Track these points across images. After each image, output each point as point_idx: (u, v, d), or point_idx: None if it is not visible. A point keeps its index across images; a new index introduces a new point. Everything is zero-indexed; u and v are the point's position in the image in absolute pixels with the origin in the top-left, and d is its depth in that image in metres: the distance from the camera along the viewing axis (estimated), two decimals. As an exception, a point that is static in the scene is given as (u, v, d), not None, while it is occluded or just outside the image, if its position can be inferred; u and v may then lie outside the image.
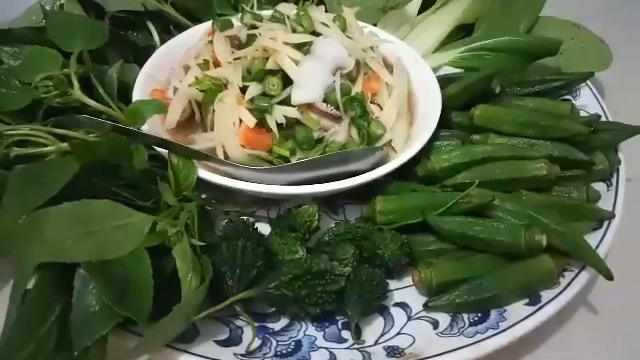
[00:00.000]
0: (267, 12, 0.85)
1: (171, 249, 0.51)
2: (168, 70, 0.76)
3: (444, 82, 0.76)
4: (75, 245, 0.45)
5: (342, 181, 0.61)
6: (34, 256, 0.43)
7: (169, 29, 0.86)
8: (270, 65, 0.67)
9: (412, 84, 0.78)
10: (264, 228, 0.65)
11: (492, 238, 0.56)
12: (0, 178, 0.51)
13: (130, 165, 0.55)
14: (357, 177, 0.62)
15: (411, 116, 0.76)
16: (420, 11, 0.93)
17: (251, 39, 0.70)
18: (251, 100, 0.66)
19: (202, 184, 0.61)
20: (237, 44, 0.74)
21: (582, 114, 0.78)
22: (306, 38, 0.68)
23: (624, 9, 1.19)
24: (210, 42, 0.73)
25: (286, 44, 0.68)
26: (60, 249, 0.44)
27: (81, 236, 0.45)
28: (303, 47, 0.69)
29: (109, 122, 0.58)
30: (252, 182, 0.61)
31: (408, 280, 0.59)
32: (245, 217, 0.64)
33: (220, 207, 0.67)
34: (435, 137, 0.69)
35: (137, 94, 0.69)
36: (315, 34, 0.72)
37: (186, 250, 0.50)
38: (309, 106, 0.67)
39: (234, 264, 0.51)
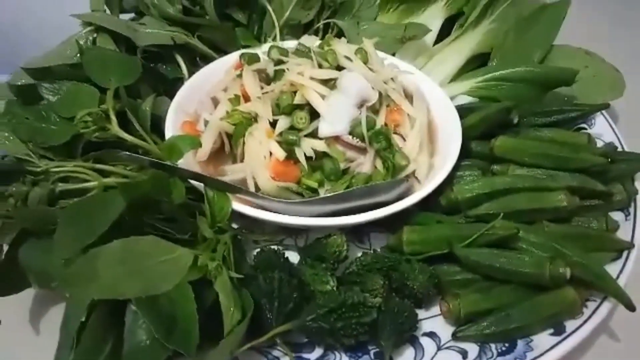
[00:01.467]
0: (289, 44, 0.89)
1: (210, 281, 0.53)
2: (196, 101, 0.79)
3: (463, 111, 0.79)
4: (126, 281, 0.47)
5: (369, 213, 0.64)
6: (89, 293, 0.45)
7: (195, 60, 0.89)
8: (298, 99, 0.70)
9: (432, 114, 0.81)
10: (293, 256, 0.68)
11: (517, 270, 0.58)
12: (48, 214, 0.54)
13: (169, 200, 0.58)
14: (383, 208, 0.64)
15: (432, 146, 0.78)
16: (436, 41, 0.96)
17: (279, 73, 0.73)
18: (280, 133, 0.69)
19: (233, 214, 0.63)
20: (265, 77, 0.77)
21: (598, 142, 0.81)
22: (332, 74, 0.71)
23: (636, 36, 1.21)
24: (239, 76, 0.76)
25: (313, 78, 0.71)
26: (113, 286, 0.46)
27: (131, 273, 0.48)
28: (329, 82, 0.71)
29: (147, 158, 0.60)
30: (283, 213, 0.63)
31: (435, 309, 0.61)
32: (275, 247, 0.67)
33: (251, 237, 0.70)
34: (456, 166, 0.71)
35: (169, 127, 0.72)
36: (339, 67, 0.75)
37: (227, 284, 0.52)
38: (336, 138, 0.70)
39: (272, 296, 0.53)
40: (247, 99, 0.74)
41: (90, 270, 0.46)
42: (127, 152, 0.60)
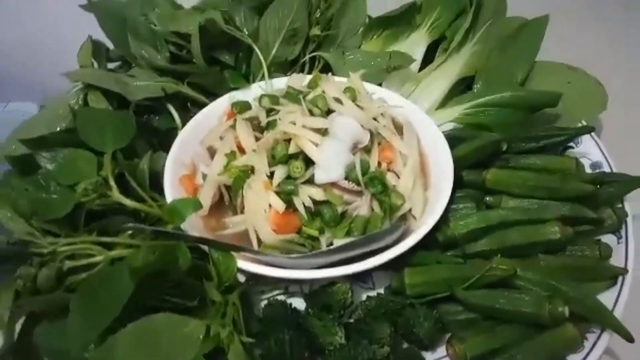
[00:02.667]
0: (278, 82, 0.90)
1: (223, 350, 0.55)
2: (192, 151, 0.80)
3: (452, 140, 0.80)
4: (143, 364, 0.49)
5: (371, 260, 0.65)
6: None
7: (187, 106, 0.90)
8: (292, 149, 0.71)
9: (422, 145, 0.82)
10: (298, 302, 0.70)
11: (518, 310, 0.60)
12: (58, 299, 0.55)
13: (176, 268, 0.59)
14: (384, 253, 0.66)
15: (425, 178, 0.80)
16: (422, 67, 0.97)
17: (271, 123, 0.75)
18: (278, 184, 0.70)
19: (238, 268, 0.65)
20: (257, 124, 0.78)
21: (585, 161, 0.83)
22: (323, 123, 0.72)
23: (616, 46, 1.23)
24: (232, 126, 0.77)
25: (305, 127, 0.72)
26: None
27: (148, 355, 0.49)
28: (321, 129, 0.73)
29: (150, 228, 0.62)
30: (288, 268, 0.65)
31: (442, 350, 0.63)
32: (282, 297, 0.69)
33: (256, 287, 0.71)
34: (450, 199, 0.73)
35: (168, 185, 0.73)
36: (329, 110, 0.77)
37: (239, 352, 0.54)
38: (332, 184, 0.72)
39: (284, 359, 0.55)
40: (241, 149, 0.75)
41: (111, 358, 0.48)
42: (130, 224, 0.61)
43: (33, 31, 1.19)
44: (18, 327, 0.59)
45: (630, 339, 0.58)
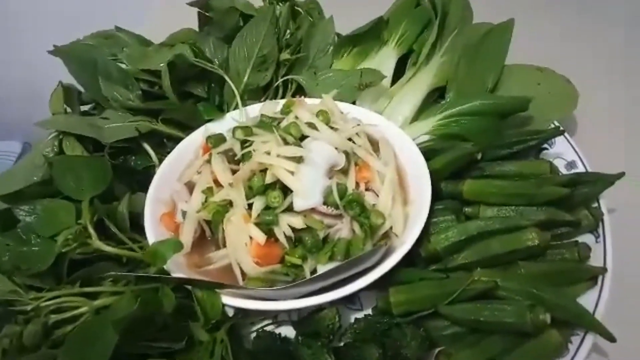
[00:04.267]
0: (252, 109, 0.91)
1: (213, 389, 0.55)
2: (170, 187, 0.81)
3: (428, 153, 0.82)
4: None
5: (356, 282, 0.66)
6: None
7: (162, 142, 0.90)
8: (269, 179, 0.72)
9: (399, 160, 0.83)
10: (288, 330, 0.70)
11: (501, 320, 0.61)
12: (44, 357, 0.55)
13: (161, 311, 0.60)
14: (369, 274, 0.67)
15: (404, 193, 0.80)
16: (393, 81, 0.99)
17: (246, 155, 0.75)
18: (257, 215, 0.71)
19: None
20: (232, 156, 0.79)
21: (560, 161, 0.84)
22: (297, 152, 0.73)
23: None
24: (208, 161, 0.78)
25: (279, 156, 0.73)
26: None
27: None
28: (296, 157, 0.74)
29: (132, 274, 0.62)
30: (273, 299, 0.65)
31: (431, 366, 0.64)
32: (270, 328, 0.69)
33: (246, 320, 0.72)
34: (429, 211, 0.74)
35: (149, 224, 0.74)
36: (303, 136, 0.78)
37: (229, 391, 0.54)
38: (311, 210, 0.72)
39: (275, 394, 0.56)
40: (219, 183, 0.75)
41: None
42: (112, 272, 0.62)
43: (12, 70, 1.19)
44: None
45: (612, 339, 0.59)
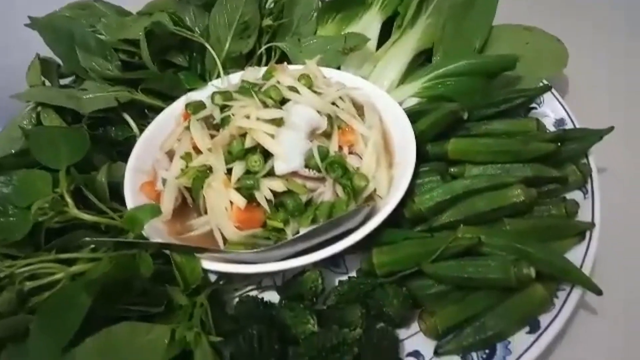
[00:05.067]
0: (235, 77, 0.89)
1: (191, 352, 0.54)
2: (152, 157, 0.79)
3: (413, 115, 0.80)
4: (105, 377, 0.48)
5: (338, 244, 0.65)
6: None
7: (144, 113, 0.89)
8: (248, 143, 0.70)
9: (384, 123, 0.82)
10: (272, 296, 0.69)
11: (485, 277, 0.60)
12: (19, 322, 0.54)
13: (138, 276, 0.59)
14: (351, 235, 0.66)
15: (389, 156, 0.79)
16: (378, 45, 0.96)
17: (225, 119, 0.74)
18: (238, 179, 0.69)
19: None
20: (212, 123, 0.77)
21: (548, 119, 0.82)
22: (277, 114, 0.71)
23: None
24: (187, 128, 0.76)
25: (259, 119, 0.71)
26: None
27: (109, 366, 0.49)
28: (276, 120, 0.72)
29: (109, 240, 0.61)
30: (255, 263, 0.64)
31: (415, 326, 0.63)
32: (253, 294, 0.68)
33: (229, 286, 0.71)
34: (415, 173, 0.72)
35: (128, 193, 0.73)
36: (284, 100, 0.76)
37: (207, 353, 0.53)
38: (293, 173, 0.71)
39: (253, 355, 0.55)
40: (198, 150, 0.74)
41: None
42: (88, 238, 0.61)
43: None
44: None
45: (598, 292, 0.58)
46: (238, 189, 0.69)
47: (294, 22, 1.00)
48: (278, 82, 0.78)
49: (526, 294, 0.58)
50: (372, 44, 0.95)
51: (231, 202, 0.68)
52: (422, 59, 0.97)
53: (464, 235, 0.62)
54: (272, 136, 0.70)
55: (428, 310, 0.60)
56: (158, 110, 0.86)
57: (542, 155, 0.70)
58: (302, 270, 0.68)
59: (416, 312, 0.63)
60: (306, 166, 0.71)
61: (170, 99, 0.88)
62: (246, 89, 0.79)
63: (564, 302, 0.59)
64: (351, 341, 0.56)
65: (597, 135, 0.73)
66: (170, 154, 0.79)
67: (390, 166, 0.77)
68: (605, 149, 0.75)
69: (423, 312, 0.61)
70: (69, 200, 0.66)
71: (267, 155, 0.71)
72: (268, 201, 0.69)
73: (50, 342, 0.50)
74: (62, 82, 0.93)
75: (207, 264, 0.64)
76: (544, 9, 1.14)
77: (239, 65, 0.95)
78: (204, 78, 0.93)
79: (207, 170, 0.71)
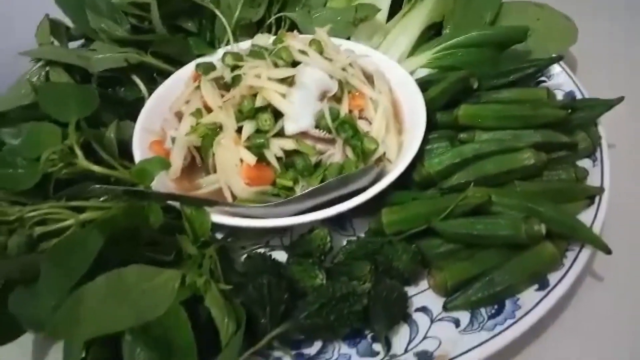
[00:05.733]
0: (244, 45, 0.89)
1: (201, 297, 0.54)
2: (160, 119, 0.79)
3: (424, 84, 0.80)
4: (115, 315, 0.48)
5: (346, 202, 0.65)
6: (80, 335, 0.46)
7: (153, 77, 0.88)
8: (259, 102, 0.70)
9: (394, 92, 0.82)
10: (280, 255, 0.69)
11: (495, 234, 0.60)
12: (30, 262, 0.54)
13: (148, 225, 0.58)
14: (360, 195, 0.66)
15: (398, 124, 0.79)
16: (389, 18, 0.96)
17: (236, 79, 0.73)
18: (248, 138, 0.69)
19: (216, 224, 0.64)
20: (223, 85, 0.77)
21: (558, 92, 0.82)
22: (288, 72, 0.71)
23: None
24: (198, 87, 0.76)
25: (270, 79, 0.71)
26: (103, 322, 0.47)
27: (119, 305, 0.48)
28: (287, 80, 0.72)
29: (119, 187, 0.61)
30: (263, 217, 0.64)
31: (424, 284, 0.63)
32: (261, 251, 0.68)
33: (237, 243, 0.71)
34: (424, 140, 0.72)
35: (137, 150, 0.72)
36: (296, 62, 0.76)
37: (217, 298, 0.53)
38: (303, 134, 0.71)
39: (263, 302, 0.55)
40: (209, 109, 0.74)
41: (77, 312, 0.47)
42: (98, 185, 0.60)
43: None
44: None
45: (608, 251, 0.58)
46: (248, 148, 0.69)
47: (305, -7, 1.00)
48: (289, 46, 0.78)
49: (536, 252, 0.59)
50: (383, 15, 0.95)
51: (241, 160, 0.68)
52: (431, 33, 0.97)
53: (474, 194, 0.62)
54: (283, 96, 0.70)
55: (437, 265, 0.60)
56: (167, 75, 0.86)
57: (552, 121, 0.70)
58: (311, 229, 0.68)
59: (424, 271, 0.63)
60: (316, 127, 0.71)
61: (179, 64, 0.88)
62: (257, 52, 0.79)
63: (573, 261, 0.59)
64: (361, 292, 0.56)
65: (607, 104, 0.73)
66: (179, 115, 0.78)
67: (399, 133, 0.77)
68: (614, 120, 0.75)
69: (432, 268, 0.61)
70: (78, 152, 0.66)
71: (277, 116, 0.71)
72: (278, 159, 0.68)
73: (61, 281, 0.49)
74: (71, 45, 0.92)
75: (216, 217, 0.63)
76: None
77: (248, 34, 0.95)
78: (213, 45, 0.93)
79: (217, 129, 0.71)
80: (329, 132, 0.71)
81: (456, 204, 0.61)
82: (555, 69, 0.85)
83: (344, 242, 0.70)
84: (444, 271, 0.59)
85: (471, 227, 0.61)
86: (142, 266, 0.53)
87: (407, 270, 0.59)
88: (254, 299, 0.55)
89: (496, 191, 0.63)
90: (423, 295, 0.61)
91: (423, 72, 0.89)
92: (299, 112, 0.70)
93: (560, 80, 0.84)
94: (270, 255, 0.66)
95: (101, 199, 0.65)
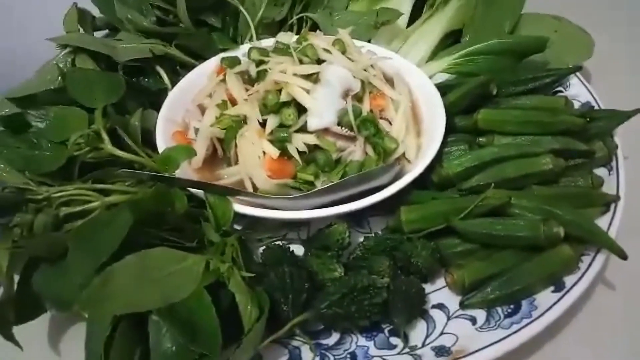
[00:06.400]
0: (266, 42, 0.90)
1: (224, 284, 0.55)
2: (183, 110, 0.80)
3: (443, 89, 0.81)
4: (143, 295, 0.49)
5: (366, 198, 0.66)
6: (109, 311, 0.47)
7: (176, 69, 0.89)
8: (283, 97, 0.71)
9: (414, 95, 0.83)
10: (297, 249, 0.70)
11: (514, 234, 0.61)
12: (56, 240, 0.55)
13: (173, 210, 0.59)
14: (379, 192, 0.67)
15: (417, 126, 0.80)
16: (409, 23, 0.98)
17: (261, 73, 0.75)
18: (271, 132, 0.70)
19: (235, 216, 0.65)
20: (247, 79, 0.78)
21: (575, 103, 0.84)
22: (314, 69, 0.72)
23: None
24: (222, 80, 0.77)
25: (295, 75, 0.72)
26: (132, 301, 0.48)
27: (146, 285, 0.49)
28: (312, 76, 0.73)
29: (146, 172, 0.62)
30: (284, 209, 0.65)
31: (441, 282, 0.63)
32: (280, 243, 0.69)
33: (255, 235, 0.71)
34: (443, 143, 0.73)
35: (160, 139, 0.73)
36: (319, 60, 0.77)
37: (240, 284, 0.54)
38: (325, 131, 0.72)
39: (285, 290, 0.55)
40: (233, 102, 0.75)
41: (107, 289, 0.48)
42: (126, 170, 0.61)
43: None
44: (16, 277, 0.58)
45: (623, 256, 0.59)
46: (271, 141, 0.70)
47: (327, -4, 1.01)
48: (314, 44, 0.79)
49: (553, 254, 0.59)
50: (403, 20, 0.97)
51: (264, 153, 0.69)
52: (450, 40, 0.98)
53: (494, 195, 0.63)
54: (308, 92, 0.71)
55: (456, 263, 0.61)
56: (189, 68, 0.87)
57: (570, 129, 0.72)
58: (329, 223, 0.69)
59: (442, 269, 0.64)
60: (338, 124, 0.72)
61: (201, 59, 0.89)
62: (282, 49, 0.80)
63: (589, 265, 0.60)
64: (381, 285, 0.57)
65: (624, 115, 0.74)
66: (201, 108, 0.80)
67: (418, 135, 0.78)
68: (630, 131, 0.76)
69: (450, 267, 0.61)
70: (105, 137, 0.67)
71: (300, 111, 0.72)
72: (300, 154, 0.70)
73: (89, 260, 0.50)
74: (96, 35, 0.93)
75: (239, 207, 0.64)
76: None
77: (270, 33, 0.96)
78: (235, 41, 0.94)
79: (241, 121, 0.72)
80: (351, 129, 0.72)
81: (476, 204, 0.62)
82: (572, 79, 0.86)
83: (361, 239, 0.71)
84: (463, 269, 0.60)
85: (490, 227, 0.62)
86: (168, 249, 0.54)
87: (426, 266, 0.60)
88: (276, 287, 0.56)
89: (515, 193, 0.64)
90: (440, 293, 0.62)
91: (441, 77, 0.91)
92: (323, 108, 0.71)
93: (576, 90, 0.85)
94: (289, 247, 0.67)
95: (126, 183, 0.66)
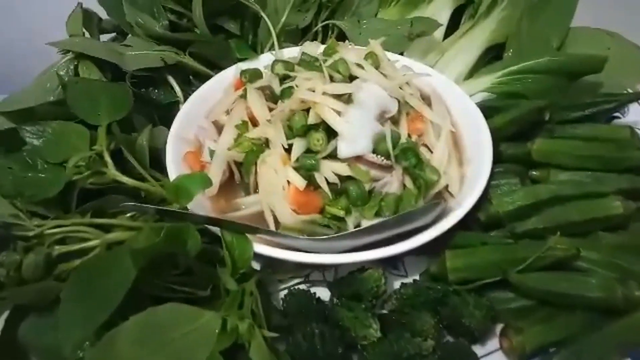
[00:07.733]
0: (289, 51, 0.82)
1: (242, 346, 0.46)
2: (196, 126, 0.72)
3: (486, 111, 0.72)
4: (150, 364, 0.40)
5: (406, 242, 0.57)
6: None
7: (189, 79, 0.81)
8: (312, 119, 0.62)
9: (453, 117, 0.74)
10: (321, 292, 0.61)
11: (584, 294, 0.52)
12: (46, 289, 0.46)
13: (184, 252, 0.51)
14: (422, 234, 0.58)
15: (458, 153, 0.71)
16: (446, 35, 0.89)
17: (287, 91, 0.66)
18: (297, 158, 0.62)
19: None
20: (269, 94, 0.70)
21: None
22: (348, 89, 0.63)
23: None
24: (242, 96, 0.69)
25: (326, 94, 0.63)
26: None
27: (154, 352, 0.41)
28: (343, 96, 0.64)
29: (154, 207, 0.53)
30: (311, 251, 0.57)
31: (492, 343, 0.55)
32: (304, 287, 0.61)
33: (275, 276, 0.63)
34: (490, 175, 0.65)
35: (171, 162, 0.65)
36: (351, 77, 0.68)
37: (262, 347, 0.45)
38: (358, 158, 0.63)
39: (315, 355, 0.47)
40: (253, 121, 0.66)
41: (109, 356, 0.39)
42: (130, 203, 0.53)
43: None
44: (1, 322, 0.50)
45: None
46: (296, 169, 0.61)
47: (355, 2, 0.93)
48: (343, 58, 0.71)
49: (631, 320, 0.51)
50: (440, 33, 0.88)
51: (288, 183, 0.61)
52: (489, 56, 0.89)
53: (558, 245, 0.54)
54: (339, 114, 0.63)
55: (514, 326, 0.52)
56: (204, 78, 0.79)
57: (638, 165, 0.63)
58: (361, 267, 0.60)
59: (493, 329, 0.55)
60: (373, 151, 0.63)
61: (217, 68, 0.81)
62: (308, 62, 0.71)
63: (672, 333, 0.52)
64: (426, 353, 0.48)
65: (699, 151, 0.65)
66: (217, 124, 0.71)
67: (460, 164, 0.70)
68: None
69: (507, 329, 0.53)
70: (108, 160, 0.59)
71: (330, 134, 0.63)
72: (329, 185, 0.61)
73: (84, 316, 0.42)
74: (102, 38, 0.85)
75: (259, 248, 0.56)
76: (621, 14, 1.06)
77: (293, 41, 0.88)
78: (255, 50, 0.86)
79: (263, 145, 0.64)
80: (387, 157, 0.63)
81: (538, 255, 0.53)
82: (632, 105, 0.77)
83: (396, 284, 0.62)
84: (522, 335, 0.51)
85: (554, 284, 0.53)
86: (178, 305, 0.45)
87: (479, 329, 0.52)
88: (303, 351, 0.47)
89: (581, 243, 0.55)
90: (491, 358, 0.53)
91: (482, 97, 0.82)
92: (356, 133, 0.62)
93: (636, 116, 0.76)
94: (315, 294, 0.58)
95: (127, 214, 0.58)
